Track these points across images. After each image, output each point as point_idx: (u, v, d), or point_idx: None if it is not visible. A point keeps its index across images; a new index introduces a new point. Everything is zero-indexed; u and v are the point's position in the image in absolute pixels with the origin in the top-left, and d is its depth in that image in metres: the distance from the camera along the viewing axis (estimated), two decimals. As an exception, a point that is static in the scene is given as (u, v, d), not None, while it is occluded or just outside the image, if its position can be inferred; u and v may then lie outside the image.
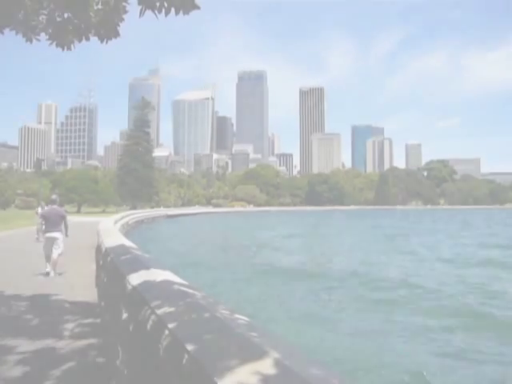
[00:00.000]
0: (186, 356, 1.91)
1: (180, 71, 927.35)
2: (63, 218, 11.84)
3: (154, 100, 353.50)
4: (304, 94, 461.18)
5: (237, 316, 2.44)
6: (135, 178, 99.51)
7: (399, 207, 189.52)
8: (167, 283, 3.34)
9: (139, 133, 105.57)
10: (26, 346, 5.44)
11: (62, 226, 11.80)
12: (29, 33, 6.71)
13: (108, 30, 6.97)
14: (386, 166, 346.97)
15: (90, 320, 6.75)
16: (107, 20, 6.82)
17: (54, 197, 12.48)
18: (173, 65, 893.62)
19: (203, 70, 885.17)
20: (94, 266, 11.45)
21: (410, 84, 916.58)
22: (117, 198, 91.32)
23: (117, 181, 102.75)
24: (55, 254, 11.32)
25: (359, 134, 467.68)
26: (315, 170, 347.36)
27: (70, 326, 6.42)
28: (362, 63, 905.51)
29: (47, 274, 10.96)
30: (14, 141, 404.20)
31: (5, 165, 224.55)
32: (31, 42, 6.87)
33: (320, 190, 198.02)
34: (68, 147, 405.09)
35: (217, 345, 1.91)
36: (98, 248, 9.94)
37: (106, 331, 5.67)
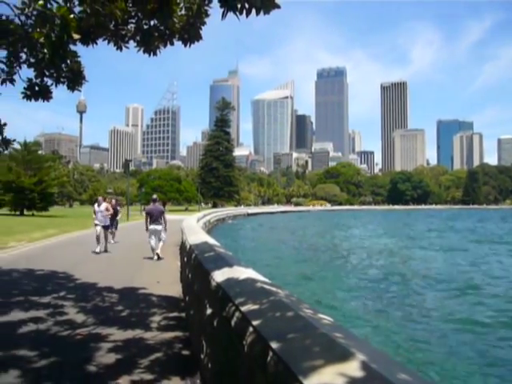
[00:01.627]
0: (271, 353, 1.92)
1: (258, 71, 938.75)
2: (163, 213, 14.22)
3: (234, 100, 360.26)
4: (385, 90, 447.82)
5: (321, 316, 2.42)
6: (216, 177, 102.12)
7: (492, 207, 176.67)
8: (250, 281, 3.38)
9: (220, 133, 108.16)
10: (117, 335, 5.79)
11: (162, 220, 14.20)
12: (119, 41, 7.11)
13: (191, 34, 7.20)
14: (476, 162, 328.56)
15: (175, 314, 7.02)
16: (191, 24, 7.05)
17: (154, 197, 14.98)
18: (251, 65, 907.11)
19: (281, 68, 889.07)
20: (178, 263, 11.92)
21: (502, 74, 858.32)
22: (199, 197, 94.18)
23: (199, 180, 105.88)
24: (159, 242, 14.00)
25: (445, 130, 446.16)
26: (397, 167, 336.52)
27: (156, 318, 6.72)
28: (448, 54, 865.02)
29: (150, 258, 13.69)
30: (104, 143, 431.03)
31: (97, 165, 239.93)
32: (121, 50, 7.27)
33: (403, 189, 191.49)
34: (153, 148, 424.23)
35: (301, 344, 1.91)
36: (183, 245, 10.31)
37: (190, 325, 5.87)
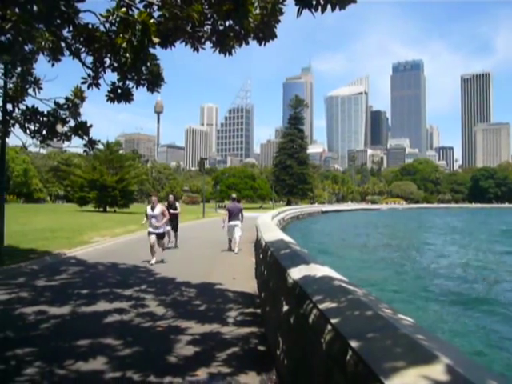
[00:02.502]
0: (350, 352, 1.90)
1: (332, 67, 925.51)
2: (241, 210, 15.39)
3: (307, 97, 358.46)
4: (466, 82, 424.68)
5: (401, 316, 2.35)
6: (290, 174, 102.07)
7: None
8: (327, 279, 3.36)
9: (293, 130, 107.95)
10: (196, 328, 5.98)
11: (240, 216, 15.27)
12: (195, 43, 7.30)
13: (266, 33, 7.24)
14: None
15: (250, 310, 7.12)
16: (265, 23, 7.09)
17: (234, 196, 16.37)
18: (324, 61, 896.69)
19: (355, 64, 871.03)
20: (253, 260, 12.07)
21: None
22: (273, 194, 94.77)
23: (273, 177, 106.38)
24: (237, 236, 14.85)
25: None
26: (479, 163, 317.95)
27: (233, 313, 6.85)
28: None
29: (229, 250, 14.94)
30: (181, 142, 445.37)
31: (173, 164, 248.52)
32: (198, 51, 7.46)
33: (485, 186, 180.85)
34: (227, 146, 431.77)
35: (382, 344, 1.87)
36: (258, 242, 10.42)
37: (265, 321, 5.93)
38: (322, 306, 2.58)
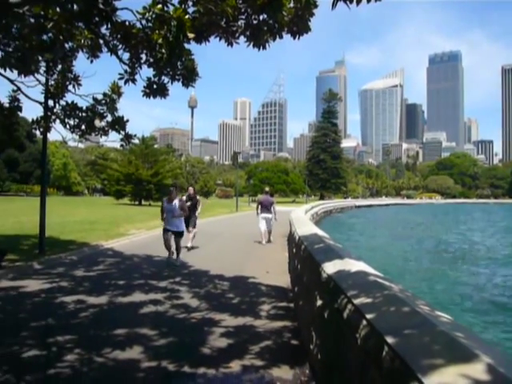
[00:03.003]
0: (387, 348, 1.89)
1: (366, 60, 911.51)
2: (272, 204, 15.90)
3: (341, 91, 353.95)
4: (507, 73, 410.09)
5: (438, 313, 2.31)
6: (323, 168, 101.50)
7: None
8: (362, 274, 3.33)
9: (327, 124, 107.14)
10: (229, 321, 6.04)
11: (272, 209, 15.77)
12: (229, 38, 7.32)
13: (300, 27, 7.20)
14: None
15: (283, 304, 7.13)
16: (299, 17, 7.05)
17: (266, 189, 17.37)
18: (358, 54, 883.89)
19: (390, 56, 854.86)
20: (286, 254, 12.08)
21: None
22: (306, 189, 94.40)
23: (306, 172, 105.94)
24: (267, 228, 15.56)
25: None
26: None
27: (266, 307, 6.88)
28: None
29: (260, 241, 15.35)
30: (214, 136, 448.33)
31: (207, 158, 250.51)
32: (232, 45, 7.49)
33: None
34: (260, 140, 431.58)
35: (419, 341, 1.84)
36: (291, 236, 10.42)
37: (299, 315, 5.93)
38: (356, 301, 2.56)
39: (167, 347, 4.99)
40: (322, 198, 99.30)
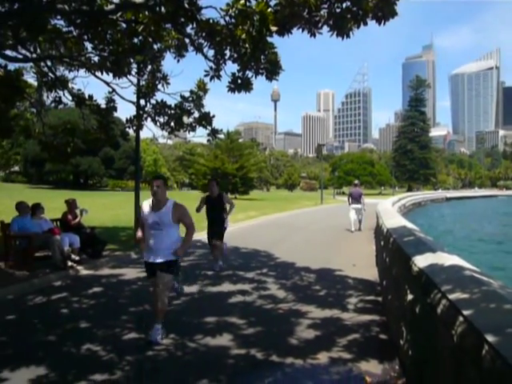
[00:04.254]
0: (487, 347, 1.78)
1: (456, 42, 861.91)
2: (361, 195, 17.41)
3: (429, 77, 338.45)
4: None
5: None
6: (411, 159, 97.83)
7: None
8: (457, 268, 3.17)
9: (414, 113, 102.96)
10: (316, 313, 6.04)
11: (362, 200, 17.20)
12: (312, 28, 7.24)
13: (385, 12, 6.96)
14: None
15: (371, 297, 6.99)
16: (385, 1, 6.81)
17: (356, 182, 19.21)
18: (448, 36, 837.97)
19: (484, 36, 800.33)
20: (373, 247, 11.80)
21: None
22: (392, 180, 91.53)
23: (392, 163, 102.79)
24: (357, 217, 17.15)
25: None
26: None
27: (353, 300, 6.79)
28: None
29: (352, 231, 16.51)
30: (297, 129, 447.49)
31: (291, 151, 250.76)
32: (314, 36, 7.40)
33: None
34: (344, 132, 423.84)
35: (523, 340, 1.73)
36: (378, 229, 10.16)
37: (387, 310, 5.78)
38: (452, 297, 2.44)
39: (255, 336, 5.10)
40: (409, 189, 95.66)
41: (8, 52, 9.07)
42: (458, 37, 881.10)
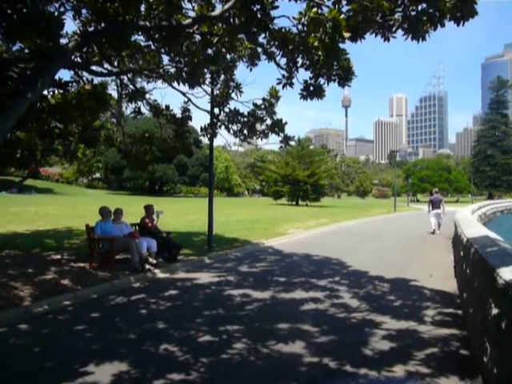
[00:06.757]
0: None
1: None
2: (441, 201, 19.29)
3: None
4: None
5: None
6: (492, 165, 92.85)
7: None
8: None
9: (496, 116, 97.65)
10: (390, 324, 5.87)
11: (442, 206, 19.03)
12: (386, 33, 7.11)
13: (464, 12, 6.70)
14: None
15: (450, 310, 6.69)
16: (463, 1, 6.55)
17: (436, 189, 21.60)
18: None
19: None
20: (451, 257, 11.30)
21: None
22: (471, 187, 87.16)
23: (471, 169, 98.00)
24: (438, 221, 18.96)
25: None
26: None
27: (430, 312, 6.52)
28: None
29: (433, 232, 18.73)
30: (369, 135, 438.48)
31: (362, 157, 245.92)
32: (388, 40, 7.27)
33: None
34: (419, 137, 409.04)
35: None
36: (457, 238, 9.72)
37: (468, 324, 5.50)
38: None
39: (328, 345, 5.05)
40: (490, 197, 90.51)
41: (93, 67, 9.69)
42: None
